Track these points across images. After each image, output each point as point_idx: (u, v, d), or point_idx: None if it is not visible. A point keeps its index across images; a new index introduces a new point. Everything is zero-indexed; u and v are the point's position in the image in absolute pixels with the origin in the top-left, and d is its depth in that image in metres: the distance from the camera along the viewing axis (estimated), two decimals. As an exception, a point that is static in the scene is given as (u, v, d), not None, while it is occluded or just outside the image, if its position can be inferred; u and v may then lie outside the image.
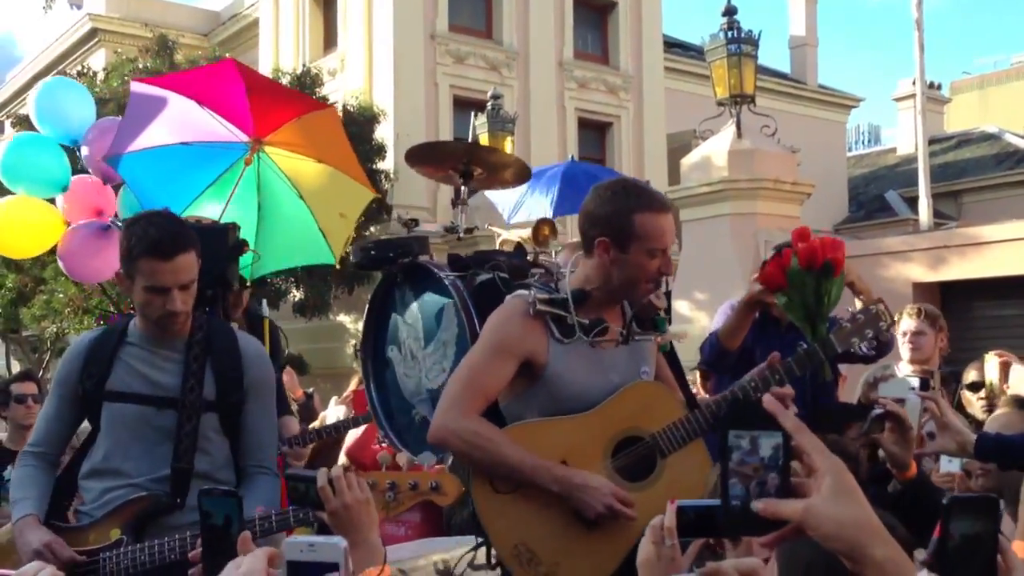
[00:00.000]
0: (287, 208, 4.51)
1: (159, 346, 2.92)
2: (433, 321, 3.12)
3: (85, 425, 3.03)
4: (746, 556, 1.64)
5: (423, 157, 3.65)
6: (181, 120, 4.41)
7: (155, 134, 4.43)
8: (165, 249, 2.75)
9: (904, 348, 4.63)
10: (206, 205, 4.38)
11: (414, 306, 3.20)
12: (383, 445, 4.40)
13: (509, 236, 3.81)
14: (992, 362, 4.10)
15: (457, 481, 2.32)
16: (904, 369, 4.56)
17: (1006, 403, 3.19)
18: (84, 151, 5.24)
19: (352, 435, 5.35)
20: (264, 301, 4.61)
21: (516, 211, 7.13)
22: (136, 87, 4.61)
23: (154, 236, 2.76)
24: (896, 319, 4.69)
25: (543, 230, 3.32)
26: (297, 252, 4.72)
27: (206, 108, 4.37)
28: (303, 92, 12.82)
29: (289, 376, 6.99)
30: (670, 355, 3.03)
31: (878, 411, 2.67)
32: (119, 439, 2.88)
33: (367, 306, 3.41)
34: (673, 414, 2.72)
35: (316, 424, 5.63)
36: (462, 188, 3.48)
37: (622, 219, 2.67)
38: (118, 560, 2.69)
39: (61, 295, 16.08)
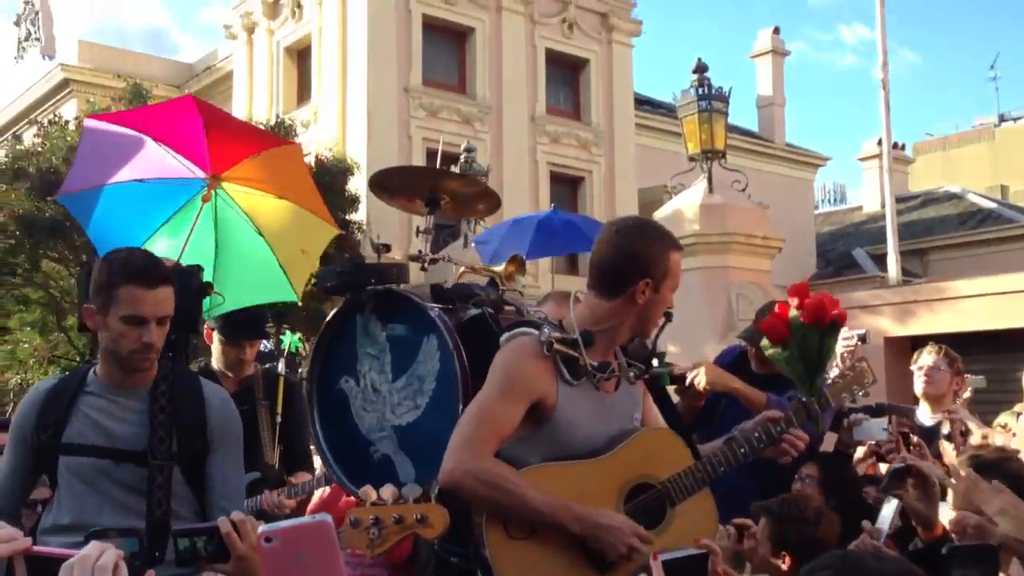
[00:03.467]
0: (246, 245, 4.38)
1: (119, 395, 2.81)
2: (406, 354, 2.95)
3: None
4: None
5: (388, 185, 3.45)
6: (135, 156, 4.27)
7: (109, 171, 4.30)
8: (149, 277, 2.70)
9: (918, 381, 4.66)
10: (161, 242, 4.24)
11: (381, 336, 3.02)
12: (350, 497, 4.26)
13: (471, 266, 3.69)
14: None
15: (445, 513, 2.23)
16: (922, 409, 4.59)
17: (962, 464, 3.15)
18: None
19: (317, 493, 5.20)
20: (282, 360, 4.51)
21: (495, 259, 7.12)
22: (90, 123, 4.48)
23: (139, 263, 2.72)
24: (915, 357, 4.75)
25: (510, 267, 3.25)
26: (257, 290, 4.57)
27: (161, 144, 4.25)
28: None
29: None
30: (664, 391, 3.02)
31: (898, 466, 2.65)
32: (79, 493, 2.77)
33: (320, 332, 3.19)
34: (682, 461, 2.69)
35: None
36: (429, 217, 3.29)
37: (663, 258, 2.67)
38: None
39: (26, 345, 15.85)
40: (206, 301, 3.59)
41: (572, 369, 2.62)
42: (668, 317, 2.79)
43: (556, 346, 2.59)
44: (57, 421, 2.78)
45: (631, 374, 2.76)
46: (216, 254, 4.31)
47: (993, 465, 2.81)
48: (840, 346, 4.05)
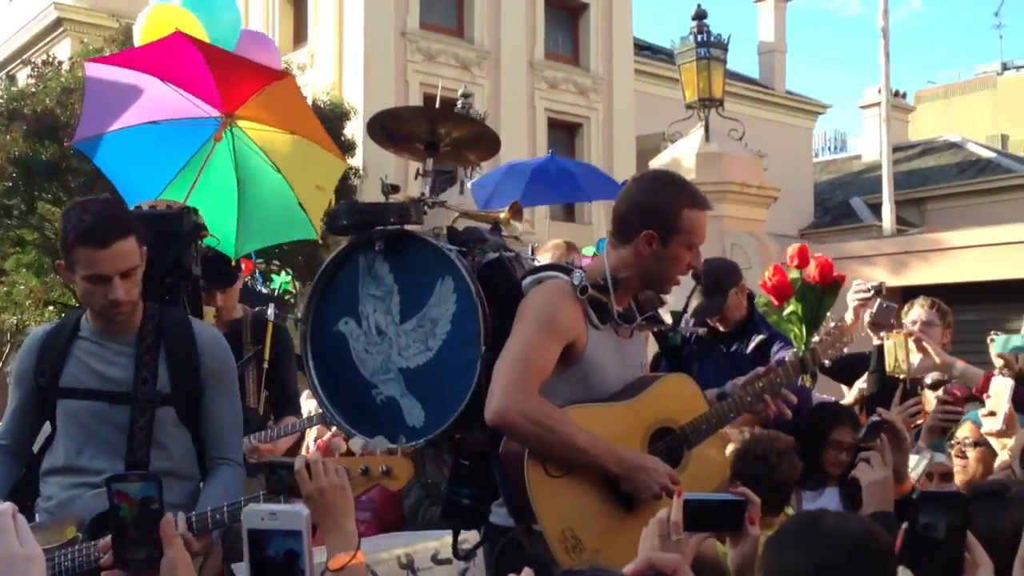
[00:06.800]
0: (266, 182, 4.33)
1: (110, 339, 2.85)
2: (417, 296, 2.90)
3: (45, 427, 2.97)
4: (749, 551, 1.66)
5: (387, 128, 3.32)
6: (146, 98, 4.21)
7: (121, 115, 4.24)
8: (100, 236, 2.67)
9: None
10: (183, 186, 4.17)
11: (388, 278, 2.96)
12: (334, 433, 4.28)
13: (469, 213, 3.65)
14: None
15: (409, 464, 2.28)
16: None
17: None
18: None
19: (311, 433, 5.26)
20: (271, 305, 4.48)
21: (490, 204, 7.08)
22: (91, 68, 4.39)
23: (88, 223, 2.68)
24: (906, 310, 4.76)
25: (507, 213, 3.25)
26: (280, 227, 4.51)
27: (170, 84, 4.19)
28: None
29: None
30: (676, 348, 3.12)
31: (875, 419, 2.71)
32: (75, 436, 2.83)
33: (318, 273, 3.09)
34: (699, 407, 2.80)
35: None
36: (428, 160, 3.20)
37: (671, 212, 2.72)
38: (72, 558, 2.61)
39: (22, 286, 15.85)
40: (210, 241, 3.58)
41: (599, 313, 2.70)
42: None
43: (590, 291, 2.67)
44: (53, 366, 2.84)
45: (644, 324, 2.86)
46: (239, 192, 4.28)
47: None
48: (853, 299, 4.05)
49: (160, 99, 4.23)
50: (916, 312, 4.67)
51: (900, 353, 3.71)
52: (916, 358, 3.87)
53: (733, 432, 3.28)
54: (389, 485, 2.27)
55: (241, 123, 4.26)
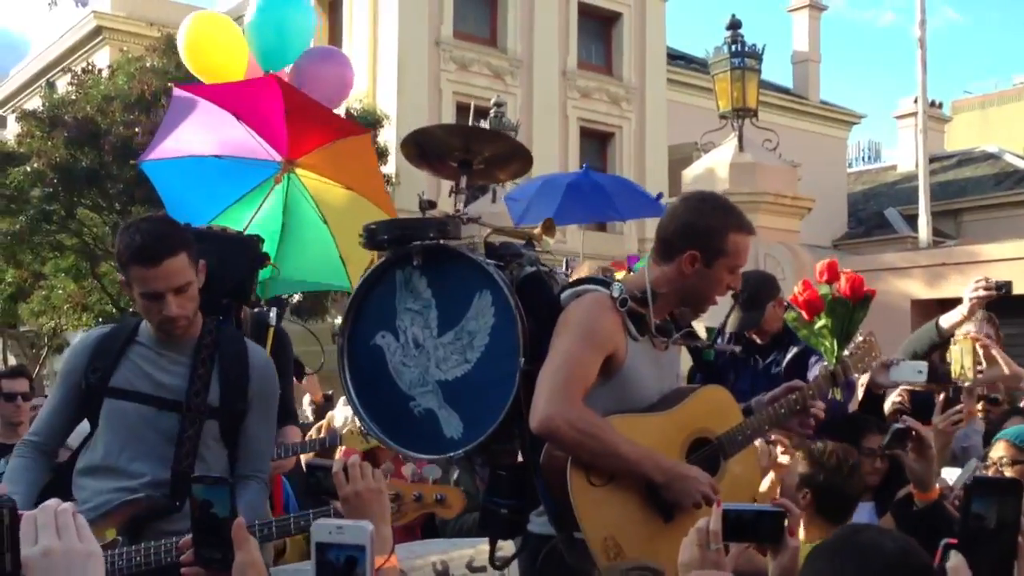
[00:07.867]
0: (309, 231, 4.49)
1: (167, 348, 2.91)
2: (454, 309, 2.91)
3: (84, 427, 3.00)
4: (789, 563, 1.67)
5: (421, 145, 3.33)
6: (217, 132, 4.41)
7: (190, 143, 4.45)
8: (150, 255, 2.73)
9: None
10: (231, 219, 4.35)
11: (426, 292, 2.97)
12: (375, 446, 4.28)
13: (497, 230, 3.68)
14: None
15: (462, 495, 2.32)
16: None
17: None
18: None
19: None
20: (274, 310, 4.50)
21: (524, 219, 7.09)
22: (178, 93, 4.62)
23: (139, 243, 2.75)
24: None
25: (540, 230, 3.28)
26: (314, 274, 4.69)
27: (243, 123, 4.36)
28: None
29: (310, 381, 6.92)
30: (709, 363, 3.12)
31: (900, 426, 2.70)
32: (118, 437, 2.87)
33: (356, 287, 3.11)
34: (734, 418, 2.83)
35: (324, 423, 5.66)
36: (462, 176, 3.21)
37: (718, 235, 2.75)
38: (113, 560, 2.63)
39: (60, 291, 16.11)
40: (262, 273, 3.66)
41: (637, 325, 2.74)
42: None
43: (630, 303, 2.70)
44: (106, 366, 2.89)
45: (681, 338, 2.89)
46: (281, 236, 4.42)
47: None
48: (971, 294, 3.97)
49: (230, 136, 4.43)
50: (971, 323, 4.62)
51: (967, 360, 3.60)
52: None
53: (799, 442, 3.30)
54: (442, 514, 2.31)
55: (299, 171, 4.43)
